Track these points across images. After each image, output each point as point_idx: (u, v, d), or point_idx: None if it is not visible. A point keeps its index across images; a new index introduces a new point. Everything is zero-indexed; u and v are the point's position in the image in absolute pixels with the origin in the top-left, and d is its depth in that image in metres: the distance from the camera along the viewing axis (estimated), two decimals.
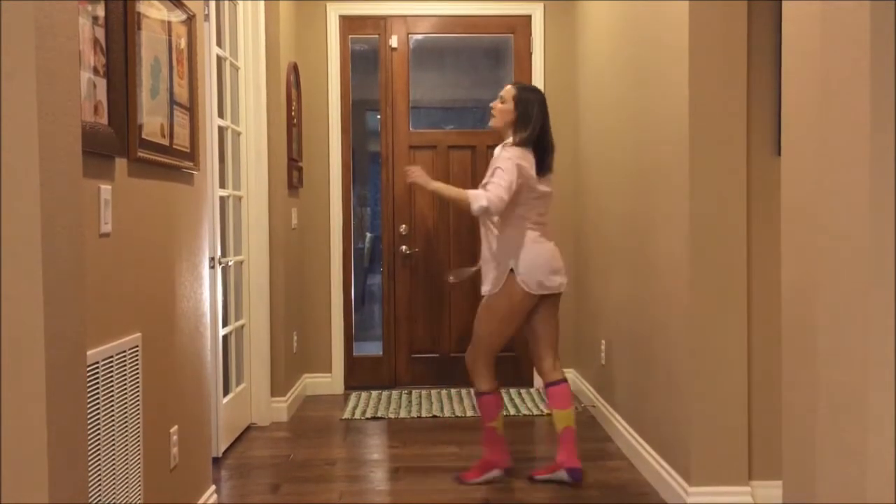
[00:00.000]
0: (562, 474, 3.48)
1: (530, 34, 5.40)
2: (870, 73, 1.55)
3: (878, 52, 1.54)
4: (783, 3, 1.94)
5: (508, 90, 3.57)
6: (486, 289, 3.53)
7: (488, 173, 3.47)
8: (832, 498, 1.72)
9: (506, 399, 5.07)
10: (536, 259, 3.48)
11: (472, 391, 3.89)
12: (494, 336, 3.56)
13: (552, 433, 4.36)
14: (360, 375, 5.47)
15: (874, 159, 1.55)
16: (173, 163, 2.64)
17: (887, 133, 1.55)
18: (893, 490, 1.59)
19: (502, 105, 3.54)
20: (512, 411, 4.79)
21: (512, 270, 3.45)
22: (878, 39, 1.54)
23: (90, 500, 1.85)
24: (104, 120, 2.15)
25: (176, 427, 2.71)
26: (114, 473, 2.17)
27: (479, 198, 3.36)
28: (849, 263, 1.64)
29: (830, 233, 1.71)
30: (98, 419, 2.07)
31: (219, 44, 3.97)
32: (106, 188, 2.16)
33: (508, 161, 3.39)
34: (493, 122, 3.58)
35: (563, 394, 3.57)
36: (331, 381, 5.37)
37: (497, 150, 3.57)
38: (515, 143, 3.48)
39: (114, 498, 2.16)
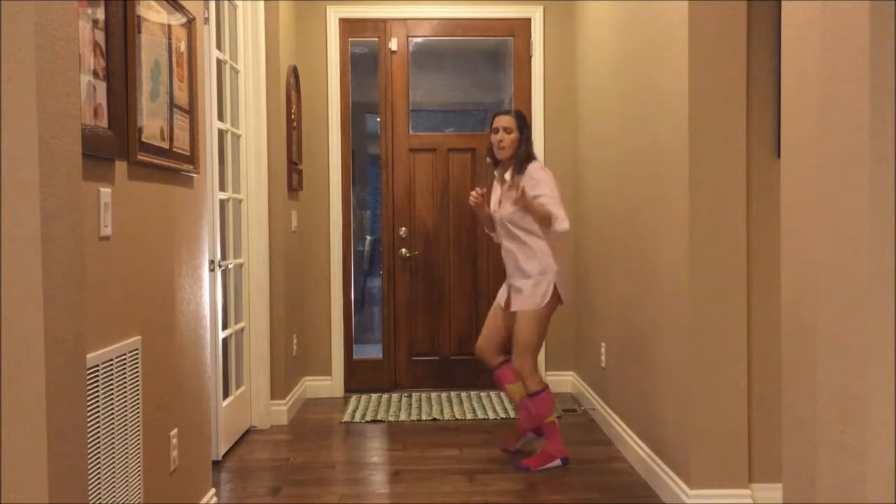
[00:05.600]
0: (531, 436, 3.97)
1: (530, 37, 5.40)
2: (870, 73, 1.55)
3: (878, 52, 1.54)
4: (783, 3, 1.94)
5: (508, 119, 3.85)
6: (533, 301, 3.76)
7: (543, 191, 3.68)
8: (833, 499, 1.72)
9: (506, 400, 5.07)
10: (566, 274, 3.90)
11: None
12: (542, 337, 3.88)
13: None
14: (360, 378, 5.47)
15: (874, 159, 1.55)
16: (173, 166, 2.64)
17: (887, 133, 1.55)
18: (894, 491, 1.58)
19: (510, 135, 3.82)
20: (512, 413, 4.78)
21: (555, 283, 3.77)
22: (878, 39, 1.54)
23: None
24: (104, 123, 2.15)
25: (176, 430, 2.71)
26: (114, 477, 2.17)
27: (564, 220, 3.67)
28: (849, 263, 1.64)
29: (830, 233, 1.71)
30: (98, 422, 2.07)
31: (219, 47, 3.98)
32: (106, 191, 2.16)
33: (550, 180, 3.76)
34: (504, 154, 3.84)
35: (512, 371, 3.93)
36: (331, 383, 5.36)
37: (533, 169, 3.76)
38: (534, 160, 3.85)
39: (114, 501, 2.16)
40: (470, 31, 5.47)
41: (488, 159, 4.00)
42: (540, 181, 3.72)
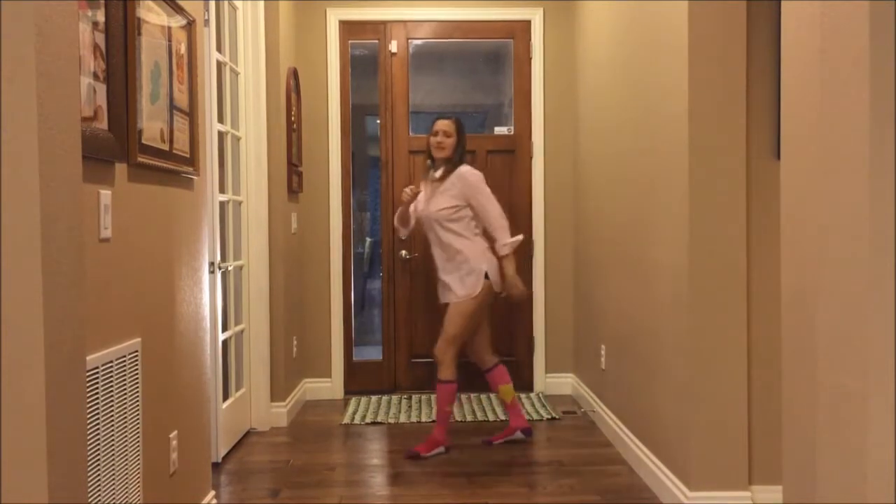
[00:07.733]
0: (518, 434, 4.23)
1: (530, 39, 5.40)
2: (870, 73, 1.55)
3: (878, 52, 1.54)
4: (783, 3, 1.94)
5: (448, 124, 4.16)
6: (463, 293, 4.03)
7: (480, 199, 4.06)
8: (833, 500, 1.72)
9: None
10: (494, 264, 4.10)
11: (462, 394, 4.17)
12: (468, 331, 4.11)
13: (547, 434, 4.38)
14: (359, 380, 5.46)
15: (874, 160, 1.55)
16: (173, 168, 2.64)
17: (887, 133, 1.55)
18: (894, 492, 1.58)
19: (449, 139, 4.14)
20: None
21: (486, 274, 4.04)
22: (878, 39, 1.54)
23: None
24: (104, 125, 2.15)
25: (175, 432, 2.71)
26: (113, 479, 2.17)
27: (508, 236, 4.04)
28: (849, 265, 1.64)
29: (830, 234, 1.71)
30: (98, 424, 2.07)
31: (219, 49, 3.98)
32: (106, 193, 2.16)
33: (483, 184, 4.10)
34: (445, 154, 4.14)
35: (504, 372, 4.27)
36: (330, 385, 5.36)
37: (466, 171, 4.11)
38: (467, 164, 4.18)
39: (113, 502, 2.16)
40: (470, 33, 5.47)
41: (428, 161, 4.26)
42: (475, 186, 4.06)
